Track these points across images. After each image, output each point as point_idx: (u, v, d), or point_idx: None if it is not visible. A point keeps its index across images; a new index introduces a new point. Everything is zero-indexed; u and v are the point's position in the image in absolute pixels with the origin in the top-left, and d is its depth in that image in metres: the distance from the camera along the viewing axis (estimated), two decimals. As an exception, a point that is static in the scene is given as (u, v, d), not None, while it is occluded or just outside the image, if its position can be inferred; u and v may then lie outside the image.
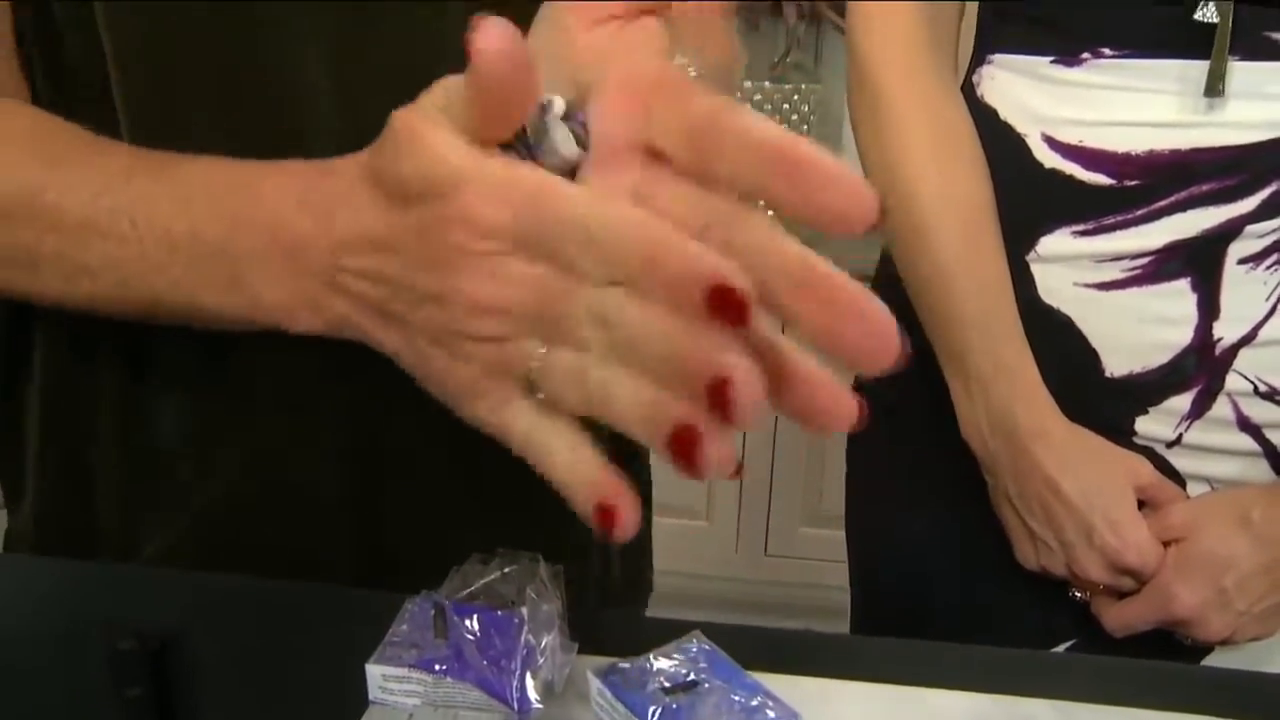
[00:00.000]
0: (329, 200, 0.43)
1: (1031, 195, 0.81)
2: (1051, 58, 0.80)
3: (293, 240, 0.45)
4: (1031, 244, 0.82)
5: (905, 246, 0.84)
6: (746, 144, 0.34)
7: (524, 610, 0.51)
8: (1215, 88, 0.74)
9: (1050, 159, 0.80)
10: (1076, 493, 0.79)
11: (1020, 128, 0.82)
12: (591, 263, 0.35)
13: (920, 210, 0.82)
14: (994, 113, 0.84)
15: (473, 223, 0.37)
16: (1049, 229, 0.81)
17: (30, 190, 0.51)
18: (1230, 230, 0.76)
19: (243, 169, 0.48)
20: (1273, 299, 0.77)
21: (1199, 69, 0.75)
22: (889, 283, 0.90)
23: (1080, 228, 0.80)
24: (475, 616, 0.50)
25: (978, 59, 0.87)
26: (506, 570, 0.55)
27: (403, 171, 0.39)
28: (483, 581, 0.55)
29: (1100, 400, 0.81)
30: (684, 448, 0.34)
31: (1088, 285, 0.80)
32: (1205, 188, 0.76)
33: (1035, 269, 0.82)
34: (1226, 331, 0.78)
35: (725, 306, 0.32)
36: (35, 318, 0.64)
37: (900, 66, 0.83)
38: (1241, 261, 0.77)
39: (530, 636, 0.50)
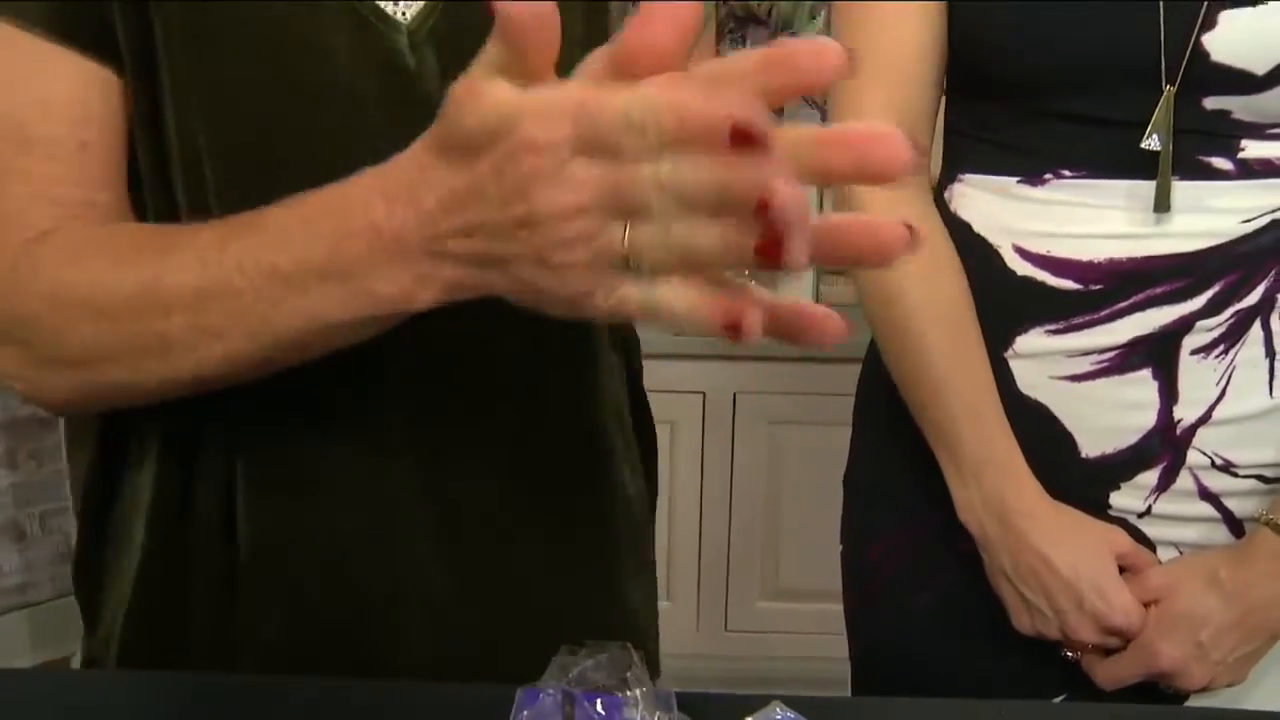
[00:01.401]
0: (410, 185, 0.50)
1: (1007, 299, 0.91)
2: (1018, 178, 0.90)
3: (391, 231, 0.50)
4: (1009, 343, 0.92)
5: (896, 349, 0.94)
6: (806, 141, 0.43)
7: (638, 692, 0.57)
8: (1162, 204, 0.86)
9: (1022, 267, 0.91)
10: (1065, 564, 0.88)
11: (993, 239, 0.93)
12: (639, 142, 0.43)
13: (909, 316, 0.92)
14: (967, 225, 0.94)
15: (536, 146, 0.44)
16: (1024, 329, 0.91)
17: (148, 282, 0.57)
18: (1183, 326, 0.87)
19: (322, 194, 0.54)
20: (1223, 383, 0.88)
21: (1148, 188, 0.86)
22: (876, 372, 0.99)
23: (1052, 327, 0.90)
24: (599, 701, 0.57)
25: (949, 177, 0.97)
26: (597, 658, 0.62)
27: (467, 126, 0.46)
28: (578, 670, 0.62)
29: (1078, 479, 0.91)
30: (770, 253, 0.42)
31: (1062, 378, 0.90)
32: (1160, 290, 0.87)
33: (1014, 365, 0.92)
34: (1185, 414, 0.88)
35: (747, 137, 0.41)
36: (132, 430, 0.69)
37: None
38: (1194, 352, 0.88)
39: (645, 714, 0.57)
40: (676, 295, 0.45)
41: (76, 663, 0.76)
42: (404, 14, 0.65)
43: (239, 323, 0.56)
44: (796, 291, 2.51)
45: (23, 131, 0.61)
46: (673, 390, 2.13)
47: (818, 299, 2.50)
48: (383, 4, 0.65)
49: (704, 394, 2.23)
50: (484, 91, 0.46)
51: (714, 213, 0.43)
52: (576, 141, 0.44)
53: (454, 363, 0.69)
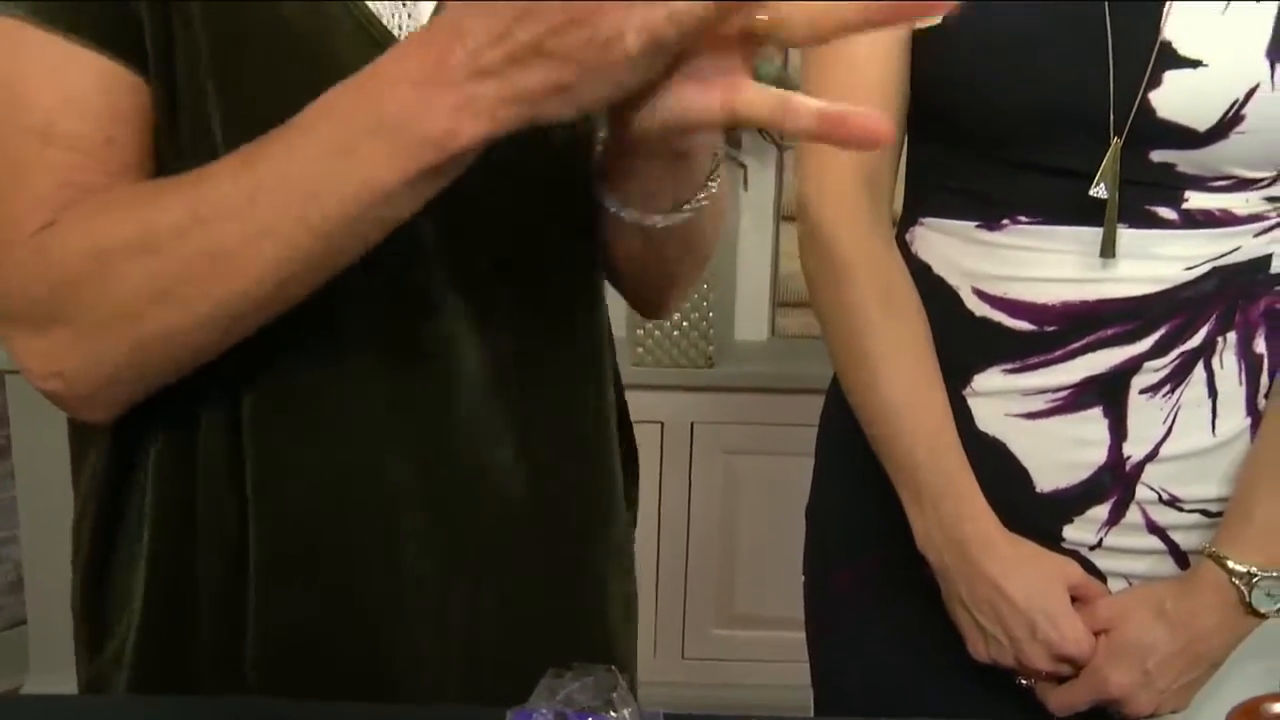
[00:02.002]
0: (447, 15, 0.53)
1: (966, 339, 0.95)
2: (977, 223, 0.95)
3: (431, 63, 0.53)
4: (967, 381, 0.96)
5: (859, 386, 0.97)
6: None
7: (625, 713, 0.60)
8: (1108, 250, 0.90)
9: (980, 308, 0.95)
10: (1020, 594, 0.92)
11: (952, 281, 0.97)
12: None
13: (871, 353, 0.95)
14: (927, 267, 0.98)
15: None
16: (982, 368, 0.95)
17: (190, 204, 0.59)
18: (1132, 366, 0.91)
19: (356, 76, 0.56)
20: (1169, 421, 0.92)
21: (1098, 234, 0.90)
22: (838, 406, 1.03)
23: (1009, 366, 0.94)
24: None
25: (909, 220, 1.01)
26: (583, 680, 0.64)
27: None
28: (565, 692, 0.64)
29: (1032, 512, 0.95)
30: None
31: (1017, 415, 0.94)
32: (1110, 332, 0.91)
33: (971, 402, 0.96)
34: (1134, 450, 0.93)
35: None
36: (137, 438, 0.70)
37: (847, 222, 0.97)
38: (1142, 391, 0.92)
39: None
40: (713, 68, 0.53)
41: (28, 690, 0.76)
42: (406, 29, 0.67)
43: (290, 212, 0.57)
44: (753, 322, 2.55)
45: (50, 126, 0.62)
46: (631, 420, 2.15)
47: (773, 331, 2.54)
48: (390, 16, 0.67)
49: (662, 424, 2.26)
50: None
51: None
52: None
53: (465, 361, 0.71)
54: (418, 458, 0.71)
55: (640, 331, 2.22)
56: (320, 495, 0.69)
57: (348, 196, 0.56)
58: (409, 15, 0.67)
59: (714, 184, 0.69)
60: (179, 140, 0.65)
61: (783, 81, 0.67)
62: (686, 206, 0.69)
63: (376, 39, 0.66)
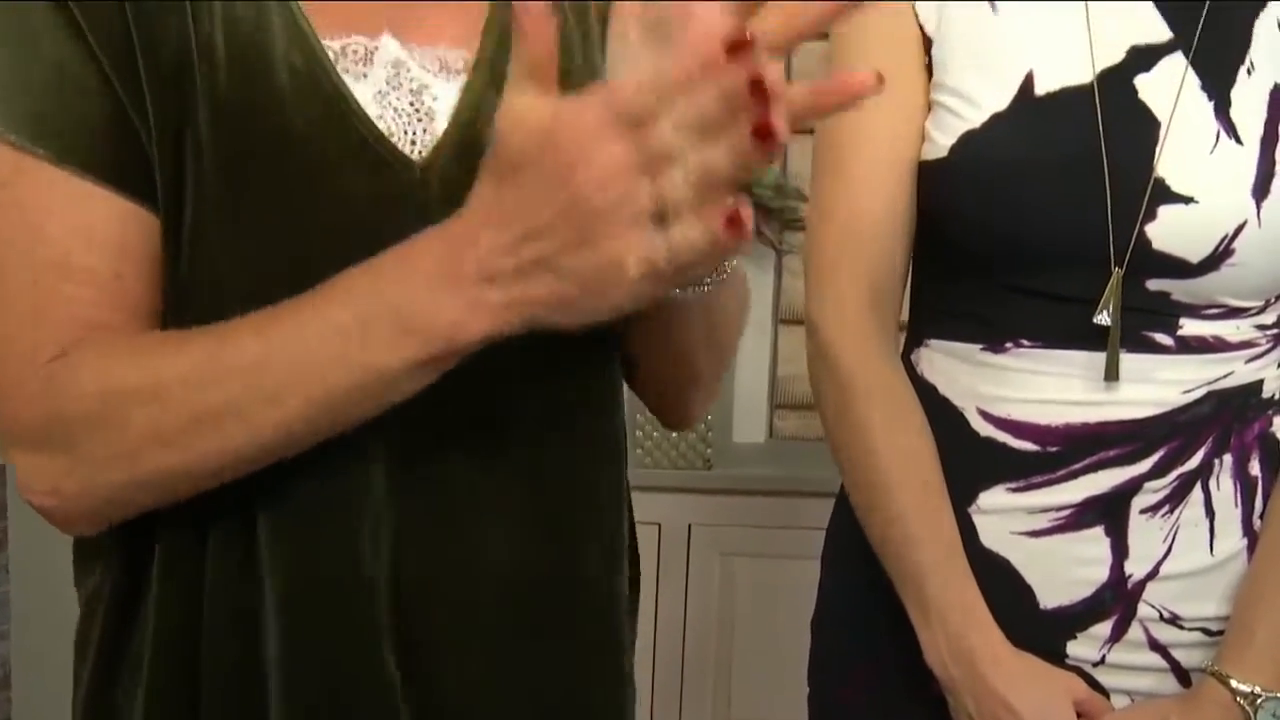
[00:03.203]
0: (465, 223, 0.57)
1: (971, 458, 0.98)
2: (981, 346, 0.98)
3: (447, 264, 0.57)
4: (973, 499, 0.99)
5: (869, 502, 1.00)
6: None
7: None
8: (1111, 374, 0.94)
9: (985, 429, 0.98)
10: (1027, 709, 0.93)
11: (958, 402, 1.00)
12: (656, 99, 0.52)
13: (880, 471, 0.98)
14: (933, 388, 1.01)
15: (574, 135, 0.52)
16: (987, 486, 0.98)
17: (204, 359, 0.62)
18: (1133, 487, 0.94)
19: (386, 255, 0.60)
20: (1169, 541, 0.95)
21: (1099, 359, 0.94)
22: (845, 519, 1.05)
23: (1013, 485, 0.97)
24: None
25: (915, 341, 1.05)
26: None
27: (515, 144, 0.54)
28: None
29: (1037, 629, 0.97)
30: (764, 130, 0.50)
31: (1022, 533, 0.97)
32: (1111, 453, 0.94)
33: (977, 520, 0.99)
34: (1135, 569, 0.95)
35: (739, 45, 0.50)
36: (145, 551, 0.70)
37: (856, 344, 1.00)
38: (1143, 511, 0.95)
39: None
40: (691, 228, 0.53)
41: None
42: (419, 153, 0.70)
43: (296, 385, 0.60)
44: (751, 425, 2.58)
45: (66, 260, 0.65)
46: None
47: (771, 433, 2.57)
48: (402, 134, 0.69)
49: (659, 525, 2.27)
50: (523, 110, 0.54)
51: (721, 127, 0.51)
52: (608, 121, 0.52)
53: (475, 454, 0.73)
54: (431, 569, 0.72)
55: (639, 433, 2.24)
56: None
57: (353, 377, 0.60)
58: (424, 130, 0.70)
59: (732, 260, 0.72)
60: (181, 268, 0.67)
61: (782, 189, 0.70)
62: (706, 281, 0.72)
63: (386, 158, 0.68)
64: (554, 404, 0.76)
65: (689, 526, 2.29)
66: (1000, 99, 0.93)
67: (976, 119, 0.94)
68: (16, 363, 0.65)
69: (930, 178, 0.97)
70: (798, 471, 2.18)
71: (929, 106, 0.98)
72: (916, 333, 1.05)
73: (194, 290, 0.67)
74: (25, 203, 0.65)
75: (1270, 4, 0.93)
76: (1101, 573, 0.95)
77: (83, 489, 0.66)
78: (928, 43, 0.97)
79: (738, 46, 0.50)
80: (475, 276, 0.57)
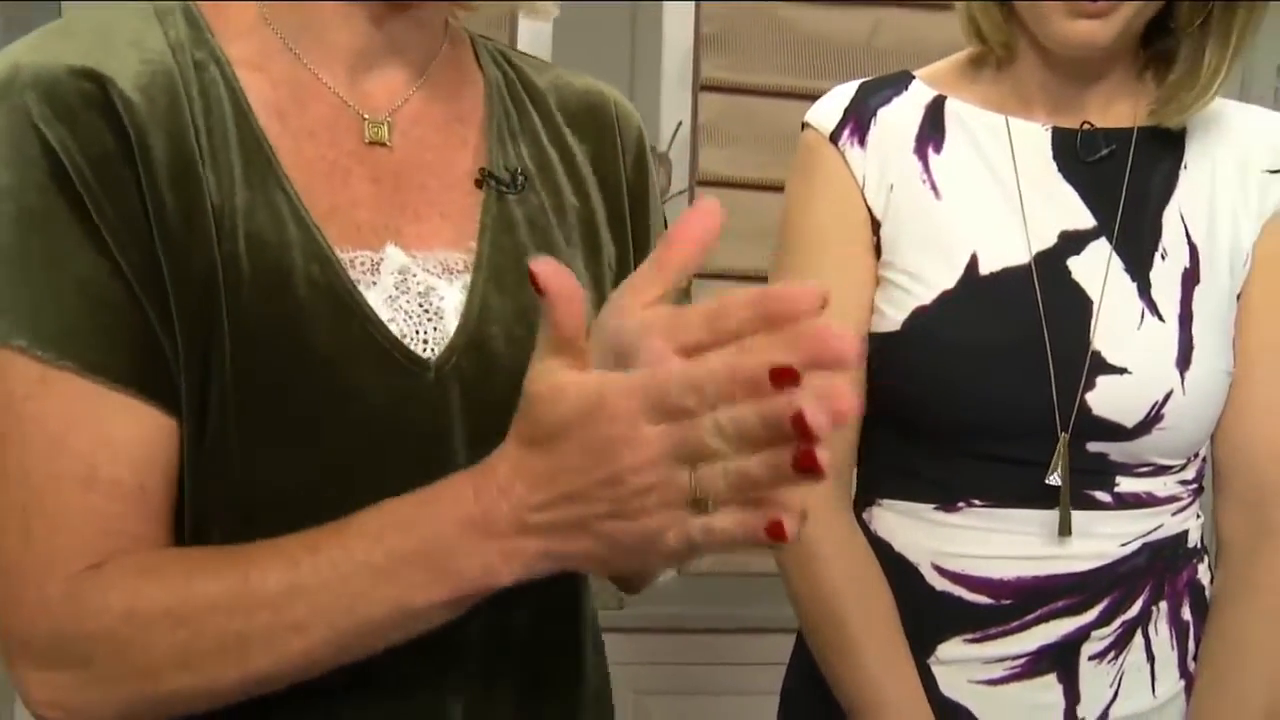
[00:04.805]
0: (500, 476, 0.58)
1: (928, 611, 1.04)
2: (934, 505, 1.04)
3: (481, 515, 0.58)
4: (932, 650, 1.04)
5: (835, 661, 1.04)
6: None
7: None
8: (1064, 530, 1.01)
9: (940, 583, 1.04)
10: None
11: (912, 558, 1.06)
12: (699, 399, 0.52)
13: (848, 631, 1.02)
14: (888, 545, 1.07)
15: (617, 418, 0.53)
16: (945, 638, 1.04)
17: (233, 586, 0.62)
18: (1081, 635, 1.01)
19: (415, 494, 0.61)
20: (1115, 685, 1.02)
21: (1048, 516, 1.01)
22: (803, 667, 1.09)
23: (970, 637, 1.03)
24: None
25: (866, 499, 1.11)
26: None
27: (557, 415, 0.55)
28: None
29: (997, 773, 1.02)
30: (807, 461, 0.51)
31: (980, 682, 1.03)
32: (1060, 604, 1.01)
33: (936, 670, 1.04)
34: (1086, 713, 1.02)
35: (783, 375, 0.50)
36: None
37: (815, 509, 1.05)
38: (1091, 658, 1.02)
39: None
40: (731, 519, 0.54)
41: None
42: (431, 350, 0.72)
43: (324, 616, 0.61)
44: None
45: (92, 472, 0.65)
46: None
47: (679, 570, 2.60)
48: (414, 334, 0.72)
49: (574, 665, 2.26)
50: (564, 383, 0.55)
51: (762, 443, 0.52)
52: (649, 408, 0.53)
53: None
54: None
55: (554, 574, 2.25)
56: None
57: (381, 612, 0.62)
58: (434, 329, 0.72)
59: None
60: (203, 477, 0.68)
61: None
62: None
63: (401, 360, 0.70)
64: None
65: (604, 666, 2.28)
66: (948, 278, 1.01)
67: (926, 296, 1.02)
68: (36, 575, 0.65)
69: (884, 350, 1.04)
70: (711, 609, 2.22)
71: (878, 282, 1.06)
72: (868, 492, 1.11)
73: (216, 499, 0.68)
74: (49, 414, 0.65)
75: (1174, 197, 1.04)
76: (1056, 717, 1.01)
77: (92, 706, 0.65)
78: (876, 224, 1.05)
79: (784, 376, 0.51)
80: (510, 527, 0.58)
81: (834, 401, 0.50)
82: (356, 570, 0.61)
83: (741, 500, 0.54)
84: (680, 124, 2.07)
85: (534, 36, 2.00)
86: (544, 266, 0.56)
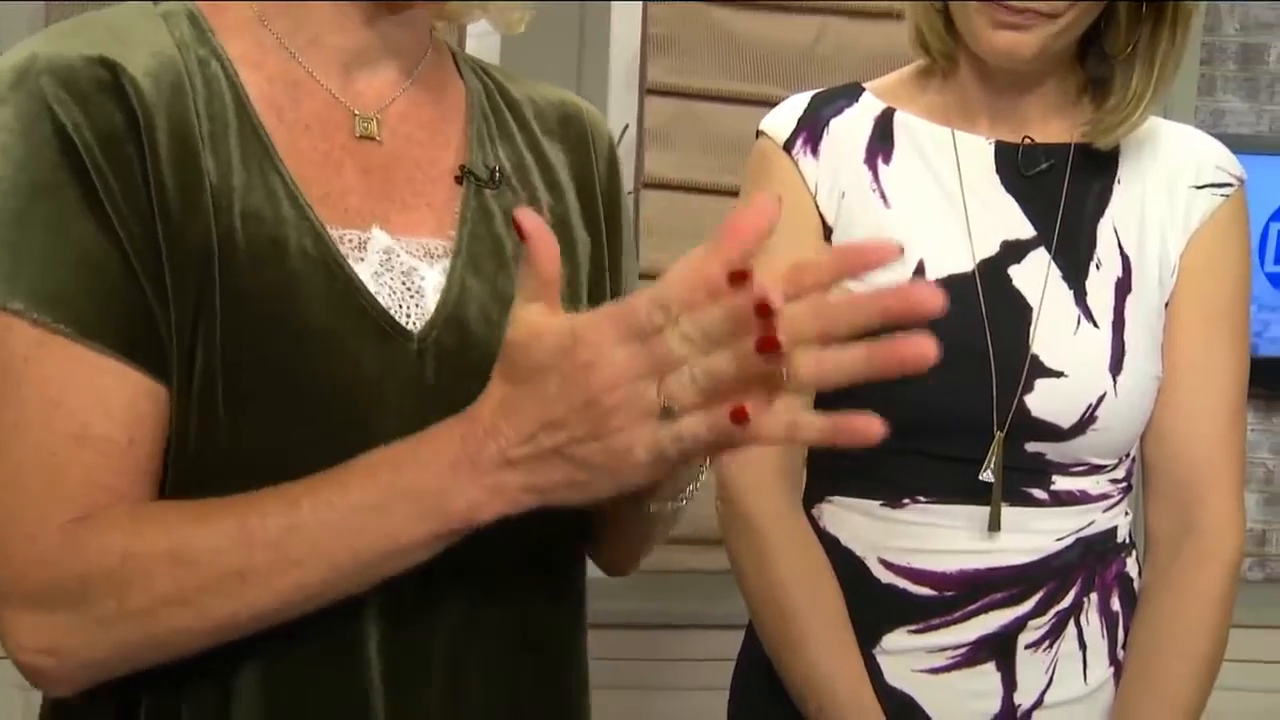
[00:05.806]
0: (485, 416, 0.63)
1: (873, 603, 1.09)
2: (880, 501, 1.09)
3: (469, 452, 0.63)
4: (877, 641, 1.09)
5: (785, 653, 1.08)
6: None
7: None
8: (994, 525, 1.06)
9: (886, 576, 1.08)
10: None
11: (859, 552, 1.10)
12: (665, 314, 0.57)
13: (798, 623, 1.07)
14: (835, 539, 1.11)
15: (589, 347, 0.58)
16: (890, 629, 1.08)
17: (233, 527, 0.66)
18: (1018, 625, 1.06)
19: (409, 441, 0.65)
20: (1050, 672, 1.08)
21: (984, 512, 1.06)
22: (754, 656, 1.13)
23: (913, 628, 1.07)
24: None
25: (816, 497, 1.15)
26: None
27: (536, 356, 0.60)
28: None
29: (939, 757, 1.07)
30: (768, 344, 0.56)
31: (922, 670, 1.07)
32: (998, 596, 1.06)
33: (881, 660, 1.09)
34: (1023, 699, 1.07)
35: (742, 275, 0.56)
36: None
37: (768, 502, 1.09)
38: (1027, 647, 1.07)
39: None
40: (697, 422, 0.59)
41: None
42: (414, 325, 0.76)
43: (320, 551, 0.65)
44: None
45: (84, 430, 0.68)
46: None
47: (624, 565, 2.62)
48: (399, 308, 0.75)
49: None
50: (541, 326, 0.61)
51: (725, 339, 0.57)
52: (619, 334, 0.58)
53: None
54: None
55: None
56: None
57: (375, 546, 0.66)
58: (416, 305, 0.76)
59: (705, 468, 0.80)
60: (189, 437, 0.71)
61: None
62: (684, 497, 0.80)
63: (388, 329, 0.74)
64: (532, 557, 0.83)
65: (550, 661, 2.31)
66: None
67: (875, 301, 1.06)
68: (29, 526, 0.67)
69: (834, 352, 1.08)
70: (658, 605, 2.25)
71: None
72: (817, 489, 1.15)
73: (202, 464, 0.71)
74: (46, 376, 0.68)
75: (1108, 210, 1.10)
76: (994, 704, 1.07)
77: (82, 648, 0.68)
78: (827, 230, 1.09)
79: (739, 277, 0.57)
80: (495, 463, 0.63)
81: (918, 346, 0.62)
82: (354, 508, 0.65)
83: (707, 405, 0.59)
84: (626, 127, 2.11)
85: (480, 38, 2.02)
86: (525, 213, 0.62)
